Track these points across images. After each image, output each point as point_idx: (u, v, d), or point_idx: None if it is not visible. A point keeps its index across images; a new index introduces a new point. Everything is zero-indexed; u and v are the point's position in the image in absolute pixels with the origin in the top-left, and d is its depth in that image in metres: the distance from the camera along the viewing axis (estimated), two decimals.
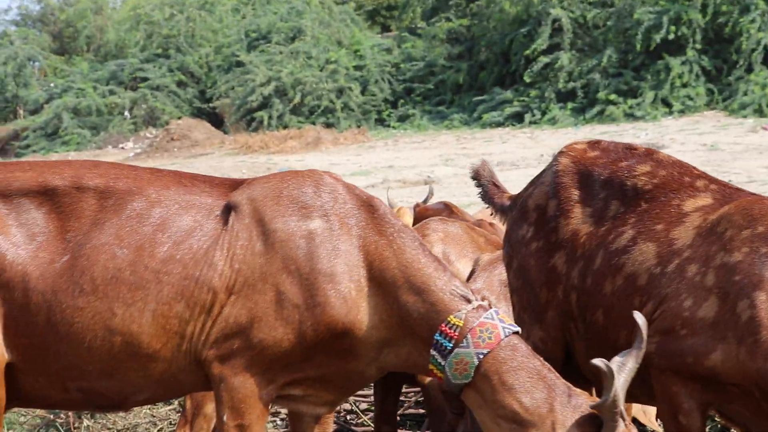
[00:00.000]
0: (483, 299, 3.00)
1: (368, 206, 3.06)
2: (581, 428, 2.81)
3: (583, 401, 2.86)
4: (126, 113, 27.54)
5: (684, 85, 22.03)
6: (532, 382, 2.88)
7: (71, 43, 32.97)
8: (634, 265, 3.26)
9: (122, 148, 25.96)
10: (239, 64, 26.95)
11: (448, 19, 26.36)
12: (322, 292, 2.93)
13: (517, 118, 23.26)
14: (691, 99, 21.88)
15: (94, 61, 30.60)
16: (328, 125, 24.95)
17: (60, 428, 5.48)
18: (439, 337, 2.93)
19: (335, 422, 4.74)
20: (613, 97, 22.40)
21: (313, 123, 24.91)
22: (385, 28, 31.45)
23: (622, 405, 2.79)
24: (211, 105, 27.40)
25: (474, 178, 3.91)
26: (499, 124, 23.31)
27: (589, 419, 2.81)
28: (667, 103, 22.02)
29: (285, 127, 24.80)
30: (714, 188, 3.36)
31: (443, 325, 2.93)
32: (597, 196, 3.50)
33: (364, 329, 2.96)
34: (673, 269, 3.16)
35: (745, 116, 20.61)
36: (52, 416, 5.66)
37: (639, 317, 2.85)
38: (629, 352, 2.83)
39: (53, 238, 3.00)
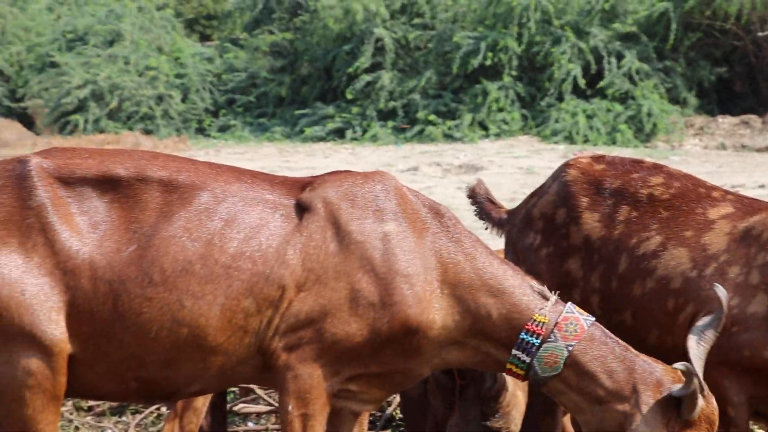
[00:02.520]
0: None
1: (435, 211, 3.18)
2: (662, 407, 3.06)
3: (666, 378, 3.11)
4: None
5: (500, 110, 22.92)
6: (614, 365, 3.10)
7: None
8: (666, 269, 3.52)
9: None
10: (53, 64, 26.07)
11: (271, 32, 26.40)
12: (399, 291, 3.02)
13: (339, 134, 23.57)
14: (506, 123, 22.79)
15: None
16: (147, 132, 24.48)
17: None
18: (525, 336, 3.10)
19: None
20: (432, 117, 23.04)
21: (131, 129, 24.39)
22: (204, 38, 31.14)
23: (700, 372, 3.05)
24: (22, 105, 26.36)
25: (470, 196, 4.16)
26: (321, 139, 23.54)
27: (670, 397, 3.07)
28: (484, 126, 22.84)
29: (101, 132, 24.17)
30: (731, 198, 3.64)
31: (529, 323, 3.10)
32: (605, 202, 3.71)
33: (436, 329, 3.09)
34: (713, 272, 3.45)
35: (556, 142, 21.66)
36: None
37: (720, 289, 3.11)
38: (710, 321, 3.09)
39: (117, 228, 2.97)
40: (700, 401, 3.03)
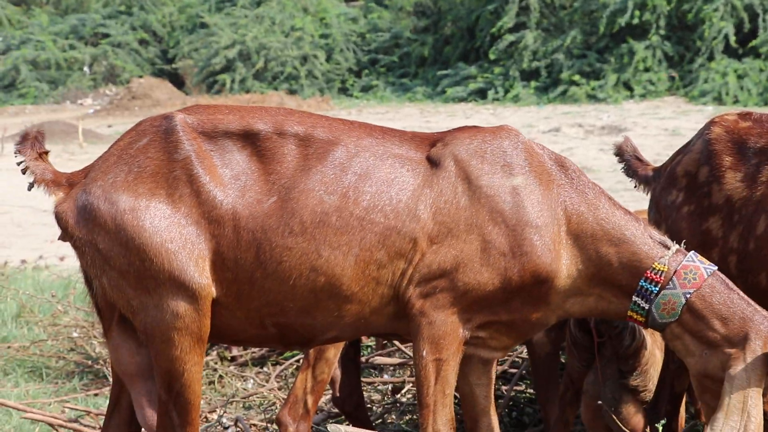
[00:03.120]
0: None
1: (560, 164, 3.27)
2: (766, 357, 3.10)
3: None
4: (86, 69, 27.31)
5: (646, 70, 22.45)
6: (731, 313, 3.17)
7: None
8: None
9: (81, 104, 25.75)
10: (203, 25, 26.85)
11: None
12: (528, 241, 3.14)
13: (481, 94, 23.53)
14: (652, 84, 22.31)
15: (54, 13, 30.19)
16: (292, 92, 24.99)
17: (97, 374, 5.65)
18: (644, 283, 3.19)
19: None
20: (576, 77, 22.76)
21: (276, 89, 24.95)
22: None
23: None
24: (173, 65, 27.27)
25: (617, 154, 4.12)
26: (462, 99, 23.56)
27: None
28: (628, 87, 22.43)
29: (247, 91, 24.80)
30: None
31: (648, 271, 3.18)
32: (750, 162, 3.68)
33: (562, 278, 3.19)
34: None
35: (704, 103, 21.09)
36: (90, 362, 5.82)
37: None
38: None
39: (257, 180, 3.13)
40: None
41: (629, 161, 4.11)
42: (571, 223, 3.20)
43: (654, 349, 3.84)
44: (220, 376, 5.56)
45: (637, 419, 3.78)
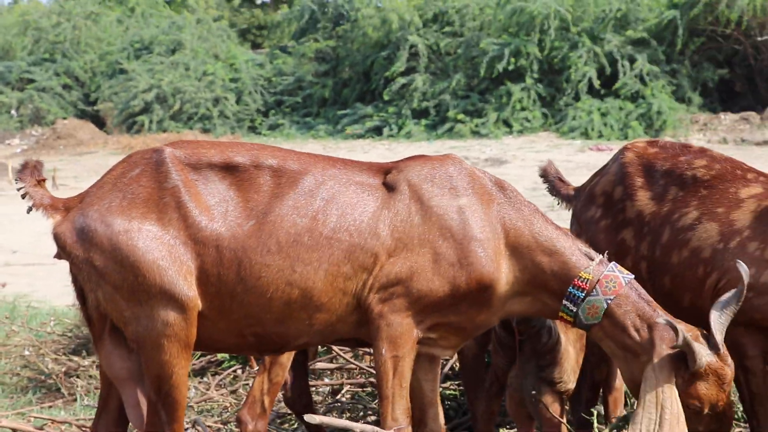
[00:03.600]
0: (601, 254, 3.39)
1: (499, 185, 3.42)
2: (672, 359, 3.27)
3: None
4: (13, 112, 26.64)
5: (523, 109, 23.02)
6: (641, 320, 3.32)
7: None
8: (699, 241, 3.68)
9: (8, 144, 25.11)
10: (122, 71, 26.50)
11: (316, 40, 26.69)
12: (473, 253, 3.27)
13: (377, 131, 23.80)
14: (528, 121, 22.89)
15: None
16: (205, 131, 24.84)
17: (50, 389, 5.55)
18: (572, 290, 3.34)
19: None
20: (461, 116, 23.19)
21: (191, 128, 24.76)
22: (256, 45, 31.48)
23: (720, 337, 3.24)
24: (94, 108, 26.82)
25: (542, 175, 4.25)
26: (360, 136, 23.78)
27: (680, 351, 3.27)
28: (507, 124, 22.96)
29: (164, 131, 24.54)
30: (762, 179, 3.74)
31: (576, 279, 3.33)
32: (657, 182, 3.86)
33: (503, 284, 3.33)
34: (735, 246, 3.60)
35: (573, 138, 21.74)
36: (43, 378, 5.71)
37: (742, 266, 3.24)
38: (732, 295, 3.25)
39: (237, 206, 3.23)
40: (703, 357, 3.20)
41: (553, 182, 4.28)
42: (510, 237, 3.35)
43: (567, 346, 3.99)
44: None
45: (555, 407, 3.93)
